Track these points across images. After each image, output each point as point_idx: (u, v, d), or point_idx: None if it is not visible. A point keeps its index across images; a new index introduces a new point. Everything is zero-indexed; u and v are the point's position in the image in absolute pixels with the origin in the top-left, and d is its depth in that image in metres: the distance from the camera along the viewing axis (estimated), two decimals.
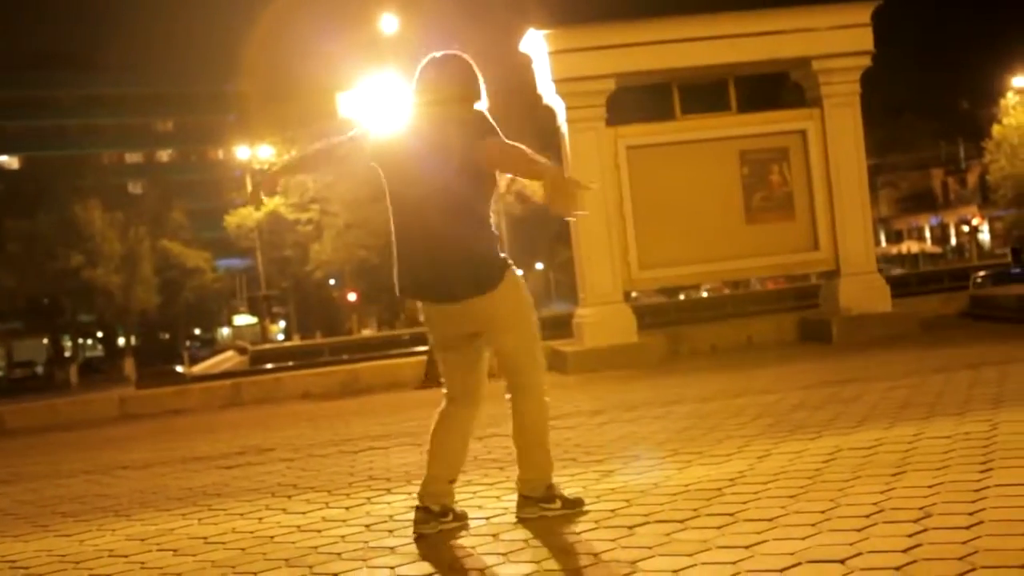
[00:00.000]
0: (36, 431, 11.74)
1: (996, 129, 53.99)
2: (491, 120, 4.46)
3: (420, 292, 4.54)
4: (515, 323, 4.50)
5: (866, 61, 12.90)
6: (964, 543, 3.57)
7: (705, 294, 45.37)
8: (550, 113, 13.24)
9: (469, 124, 4.42)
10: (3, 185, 69.28)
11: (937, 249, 69.27)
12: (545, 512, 4.56)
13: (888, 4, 13.03)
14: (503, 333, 4.50)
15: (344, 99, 14.47)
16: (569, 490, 4.90)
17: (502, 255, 4.47)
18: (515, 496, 5.11)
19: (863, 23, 12.84)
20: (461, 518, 4.63)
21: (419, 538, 4.48)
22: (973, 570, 3.28)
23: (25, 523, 5.90)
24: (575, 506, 4.65)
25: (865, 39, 12.84)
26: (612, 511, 4.62)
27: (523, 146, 4.29)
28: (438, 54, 4.59)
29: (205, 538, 4.98)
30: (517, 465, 4.66)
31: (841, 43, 12.83)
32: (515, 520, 4.63)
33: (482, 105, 4.54)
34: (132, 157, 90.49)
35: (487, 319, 4.45)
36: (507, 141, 4.39)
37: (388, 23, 36.79)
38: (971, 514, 3.93)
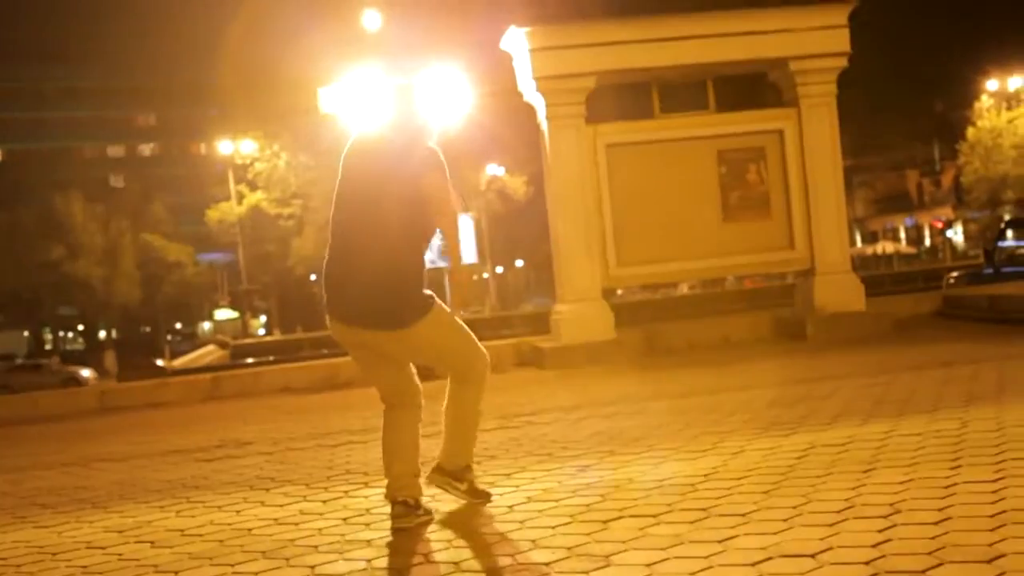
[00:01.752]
0: (16, 423, 11.66)
1: (970, 132, 54.30)
2: (443, 159, 4.49)
3: (344, 314, 4.48)
4: (439, 347, 4.58)
5: (842, 62, 12.95)
6: (932, 538, 3.60)
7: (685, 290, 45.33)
8: (531, 110, 13.23)
9: (425, 157, 4.47)
10: None
11: (912, 250, 69.61)
12: (451, 487, 4.69)
13: (865, 6, 13.10)
14: (423, 351, 4.59)
15: (325, 94, 14.41)
16: (537, 485, 4.92)
17: (426, 293, 4.46)
18: (493, 491, 5.13)
19: (840, 24, 12.89)
20: (429, 512, 4.62)
21: (398, 531, 4.47)
22: (940, 565, 3.31)
23: (3, 514, 5.86)
24: (479, 497, 4.75)
25: (842, 40, 12.89)
26: (587, 506, 4.63)
27: (456, 215, 4.43)
28: (402, 83, 4.69)
29: (183, 530, 4.97)
30: (443, 441, 4.72)
31: (818, 44, 12.87)
32: (489, 515, 4.64)
33: (432, 140, 4.61)
34: (114, 151, 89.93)
35: (403, 349, 4.52)
36: (450, 196, 4.42)
37: (371, 19, 36.81)
38: (940, 510, 3.97)
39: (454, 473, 4.69)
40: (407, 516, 4.50)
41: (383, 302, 4.38)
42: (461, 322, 4.61)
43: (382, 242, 4.36)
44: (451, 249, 4.43)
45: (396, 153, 4.45)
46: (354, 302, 4.42)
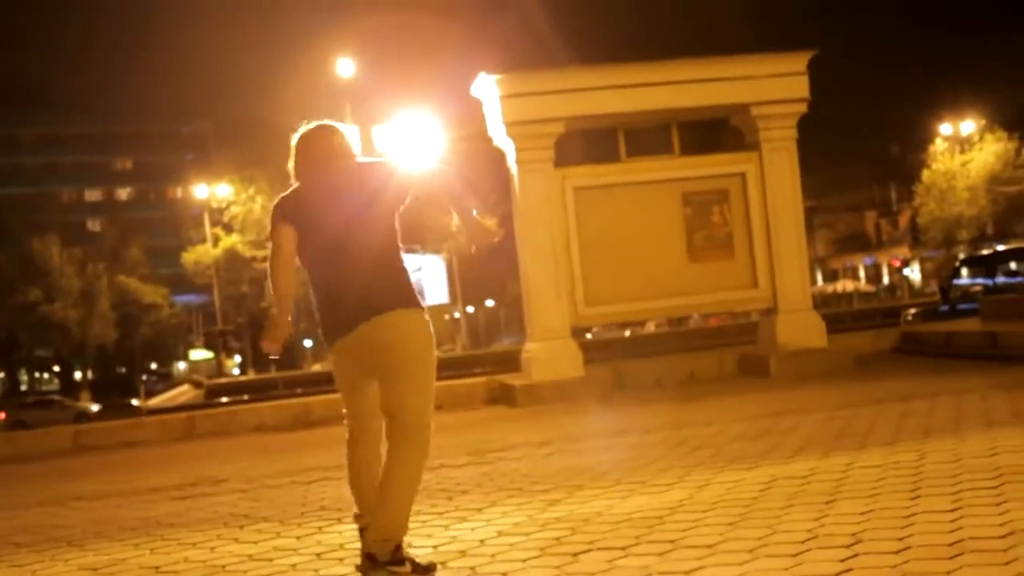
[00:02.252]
0: None
1: (925, 174, 54.90)
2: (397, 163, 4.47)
3: (341, 324, 4.31)
4: (418, 357, 4.28)
5: (802, 108, 13.10)
6: (893, 567, 3.62)
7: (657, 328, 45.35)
8: (501, 154, 13.30)
9: (390, 165, 4.45)
10: None
11: (871, 288, 70.11)
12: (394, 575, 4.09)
13: (824, 54, 13.27)
14: (403, 366, 4.23)
15: (298, 135, 14.41)
16: (508, 519, 4.87)
17: (417, 295, 4.40)
18: (464, 525, 5.10)
19: (799, 71, 13.05)
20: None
21: None
22: None
23: None
24: (427, 572, 4.23)
25: (801, 87, 13.05)
26: (557, 539, 4.62)
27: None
28: (312, 126, 4.54)
29: (157, 567, 4.91)
30: (376, 513, 4.14)
31: (778, 90, 13.02)
32: (460, 549, 4.62)
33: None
34: (91, 195, 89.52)
35: (398, 345, 4.23)
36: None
37: (344, 67, 36.96)
38: (900, 539, 3.98)
39: (394, 558, 4.08)
40: (376, 571, 4.10)
41: (385, 283, 4.29)
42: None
43: (370, 250, 4.29)
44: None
45: (359, 173, 4.43)
46: (354, 303, 4.26)
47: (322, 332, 4.44)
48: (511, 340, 51.37)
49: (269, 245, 4.53)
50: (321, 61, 38.95)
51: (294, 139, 4.55)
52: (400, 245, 4.42)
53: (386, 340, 4.26)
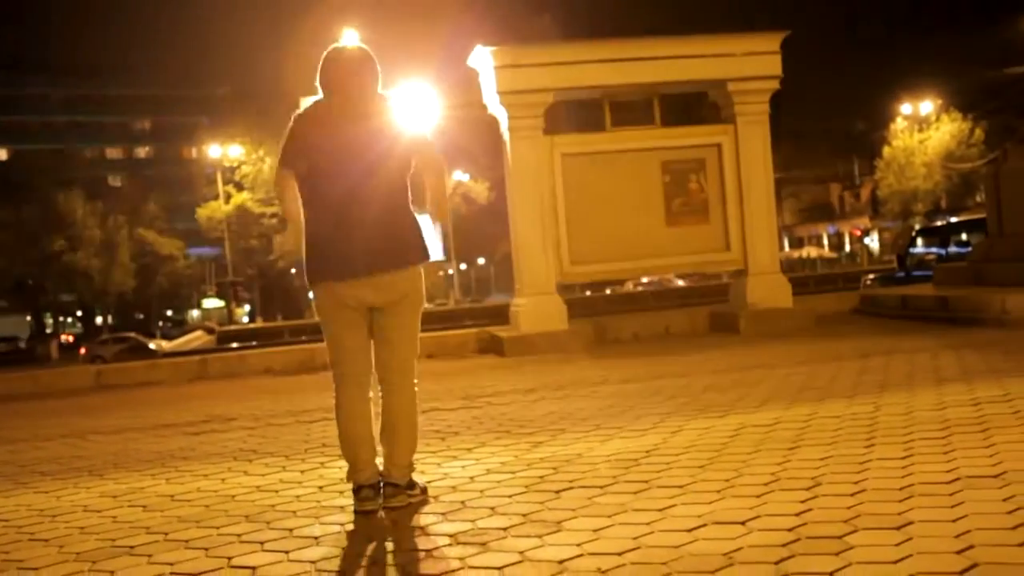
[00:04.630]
0: (17, 399, 11.51)
1: (886, 150, 54.89)
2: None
3: (347, 269, 4.12)
4: (415, 308, 4.28)
5: (775, 84, 13.04)
6: (849, 508, 3.63)
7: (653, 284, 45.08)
8: (494, 122, 13.22)
9: (395, 124, 4.22)
10: None
11: (833, 254, 70.21)
12: (411, 499, 4.27)
13: (796, 35, 13.19)
14: (403, 314, 4.23)
15: (307, 103, 14.29)
16: (496, 458, 4.88)
17: (427, 248, 4.29)
18: (455, 463, 5.12)
19: (773, 51, 12.98)
20: (424, 491, 4.43)
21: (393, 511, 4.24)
22: (856, 531, 3.34)
23: (6, 480, 5.78)
24: (425, 493, 4.39)
25: (774, 65, 12.98)
26: (540, 477, 4.63)
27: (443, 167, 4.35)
28: (348, 47, 4.30)
29: (172, 496, 4.92)
30: (391, 450, 4.24)
31: (753, 68, 12.95)
32: (452, 485, 4.63)
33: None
34: (112, 153, 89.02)
35: (397, 292, 4.17)
36: (437, 153, 4.32)
37: (349, 37, 36.65)
38: (856, 483, 4.00)
39: (408, 485, 4.28)
40: (397, 496, 4.24)
41: (392, 242, 4.15)
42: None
43: (383, 200, 4.15)
44: (438, 194, 4.32)
45: (380, 115, 4.20)
46: (361, 253, 4.10)
47: (315, 269, 4.21)
48: (500, 296, 51.34)
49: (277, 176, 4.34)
50: (327, 30, 38.59)
51: (328, 51, 4.26)
52: (406, 196, 4.26)
53: (394, 296, 4.21)
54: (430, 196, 4.36)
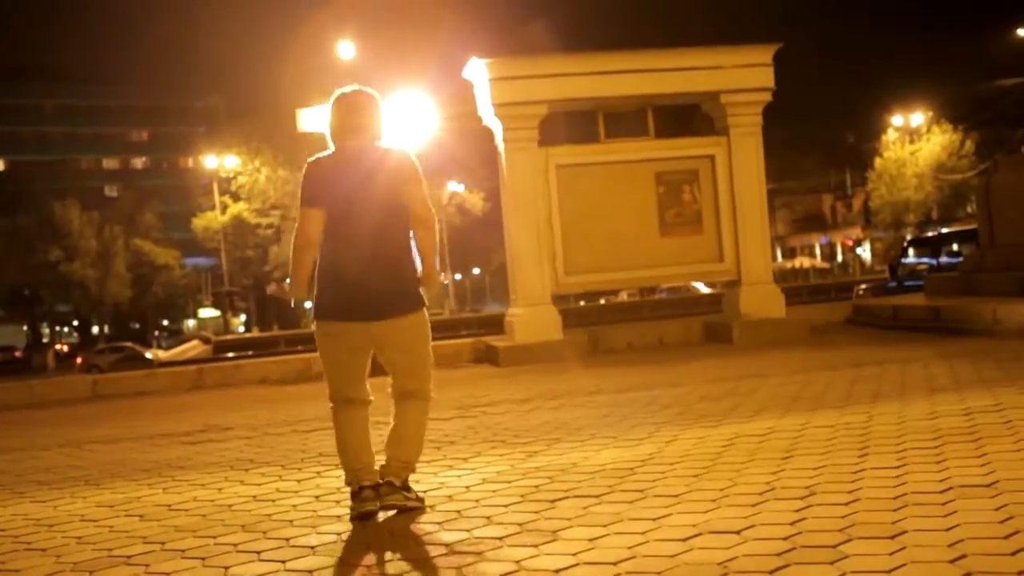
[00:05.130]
0: (14, 408, 11.47)
1: (878, 162, 55.04)
2: (419, 169, 4.38)
3: (343, 313, 4.28)
4: (421, 343, 4.40)
5: (768, 96, 13.07)
6: (843, 517, 3.64)
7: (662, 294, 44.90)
8: (490, 132, 13.24)
9: (409, 168, 4.35)
10: None
11: (825, 265, 70.32)
12: (407, 500, 4.31)
13: (788, 47, 13.24)
14: (407, 353, 4.37)
15: (303, 115, 14.30)
16: (492, 468, 4.87)
17: (420, 290, 4.39)
18: (451, 473, 5.12)
19: (765, 63, 13.01)
20: (420, 499, 4.45)
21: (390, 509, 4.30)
22: (850, 540, 3.35)
23: (2, 490, 5.76)
24: (421, 501, 4.42)
25: (767, 77, 13.01)
26: (536, 487, 4.63)
27: (434, 223, 4.38)
28: (351, 89, 4.44)
29: (169, 505, 4.91)
30: (395, 450, 4.33)
31: (746, 80, 12.99)
32: (448, 494, 4.63)
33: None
34: (109, 163, 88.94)
35: (398, 337, 4.33)
36: (428, 205, 4.38)
37: (345, 49, 36.68)
38: (850, 492, 4.01)
39: (404, 485, 4.34)
40: (394, 494, 4.29)
41: (399, 292, 4.31)
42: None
43: (392, 245, 4.30)
44: (427, 255, 4.38)
45: (384, 165, 4.33)
46: (373, 295, 4.25)
47: (321, 306, 4.34)
48: (495, 305, 51.33)
49: (297, 221, 4.43)
50: (323, 41, 38.63)
51: (333, 99, 4.43)
52: (406, 241, 4.35)
53: (397, 340, 4.36)
54: (421, 257, 4.41)
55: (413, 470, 4.43)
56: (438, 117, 14.74)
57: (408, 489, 4.37)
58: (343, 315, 4.29)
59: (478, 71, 12.68)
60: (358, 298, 4.26)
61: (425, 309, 4.43)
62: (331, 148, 4.43)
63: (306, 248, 4.35)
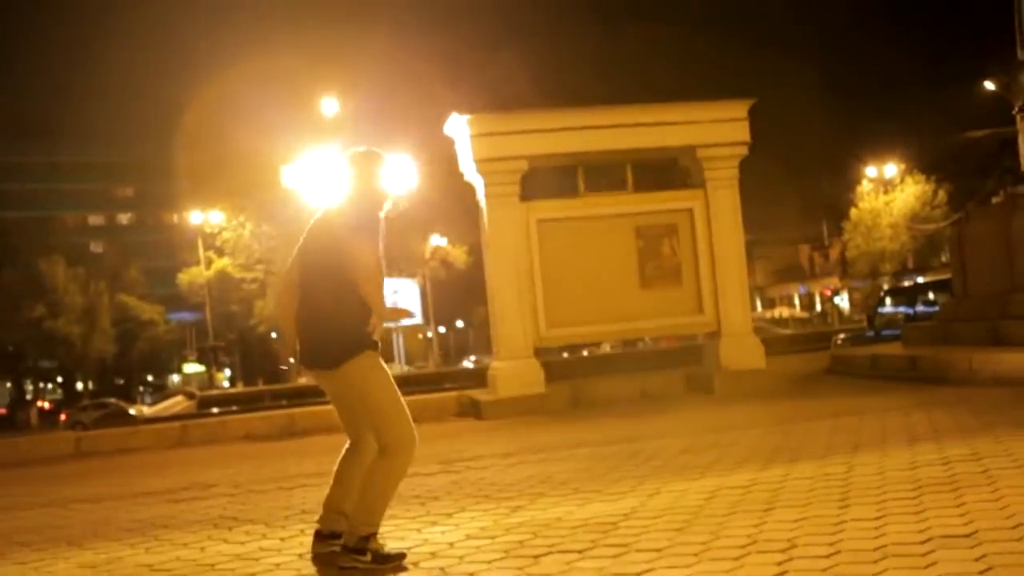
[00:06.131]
0: None
1: (853, 212, 55.46)
2: (374, 224, 4.40)
3: (306, 360, 4.54)
4: (364, 395, 4.38)
5: (743, 150, 13.20)
6: (824, 570, 3.63)
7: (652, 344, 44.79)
8: (471, 188, 13.30)
9: (340, 228, 4.41)
10: None
11: (804, 314, 70.56)
12: (356, 563, 4.22)
13: (762, 102, 13.39)
14: (359, 400, 4.42)
15: (287, 171, 14.37)
16: (475, 523, 4.83)
17: (362, 340, 4.36)
18: (435, 529, 5.08)
19: (740, 117, 13.15)
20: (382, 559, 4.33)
21: (314, 557, 4.39)
22: None
23: None
24: (388, 562, 4.29)
25: (742, 131, 13.14)
26: (520, 542, 4.60)
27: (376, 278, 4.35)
28: (361, 151, 4.66)
29: (151, 566, 4.85)
30: (351, 509, 4.33)
31: (722, 134, 13.12)
32: (431, 551, 4.58)
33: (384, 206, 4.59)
34: (94, 219, 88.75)
35: (345, 386, 4.43)
36: (369, 259, 4.33)
37: (329, 105, 36.91)
38: (831, 544, 4.00)
39: (356, 547, 4.23)
40: (335, 553, 4.27)
41: (321, 343, 4.40)
42: (396, 392, 4.39)
43: (328, 297, 4.37)
44: (375, 307, 4.36)
45: (344, 220, 4.42)
46: (309, 347, 4.47)
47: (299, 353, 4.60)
48: (476, 359, 51.19)
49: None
50: (307, 99, 38.86)
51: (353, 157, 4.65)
52: (353, 290, 4.31)
53: (337, 390, 4.50)
54: (373, 312, 4.42)
55: (363, 532, 4.24)
56: (420, 172, 14.81)
57: (361, 552, 4.22)
58: (307, 363, 4.55)
59: (459, 127, 12.78)
60: (305, 347, 4.50)
61: (368, 355, 4.35)
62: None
63: (285, 294, 4.75)
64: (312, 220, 4.62)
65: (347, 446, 4.56)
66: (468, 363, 51.21)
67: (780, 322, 62.83)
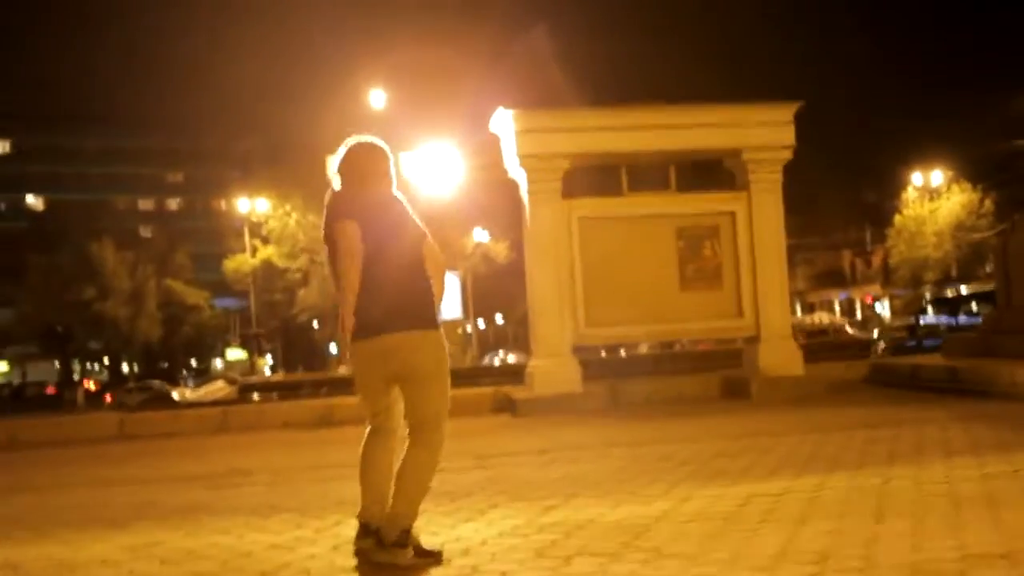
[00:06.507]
0: (44, 445, 11.52)
1: (897, 219, 54.83)
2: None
3: (367, 327, 4.30)
4: (433, 374, 4.36)
5: (788, 154, 13.09)
6: None
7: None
8: (514, 183, 13.30)
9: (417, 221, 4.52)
10: (28, 223, 68.69)
11: (845, 321, 69.82)
12: (397, 558, 4.21)
13: (810, 107, 13.26)
14: (420, 382, 4.35)
15: (333, 161, 14.42)
16: (509, 521, 4.82)
17: (437, 319, 4.44)
18: (468, 525, 5.09)
19: (786, 121, 13.04)
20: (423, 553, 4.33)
21: (357, 552, 4.34)
22: None
23: (29, 530, 5.78)
24: (429, 556, 4.29)
25: (788, 135, 13.03)
26: (552, 542, 4.60)
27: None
28: (364, 141, 4.62)
29: (190, 551, 4.90)
30: (392, 500, 4.32)
31: (767, 137, 13.01)
32: (464, 548, 4.59)
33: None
34: (144, 204, 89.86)
35: (411, 360, 4.32)
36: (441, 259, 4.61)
37: (377, 98, 37.10)
38: (864, 557, 3.95)
39: (397, 540, 4.22)
40: (376, 551, 4.26)
41: (408, 306, 4.34)
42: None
43: (415, 269, 4.39)
44: (438, 296, 4.50)
45: (404, 210, 4.49)
46: (387, 310, 4.29)
47: (358, 327, 4.35)
48: (518, 355, 51.18)
49: (327, 246, 4.54)
50: (355, 91, 39.08)
51: (345, 147, 4.59)
52: (425, 270, 4.44)
53: (404, 356, 4.33)
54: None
55: (404, 525, 4.25)
56: (464, 167, 14.83)
57: (402, 545, 4.22)
58: (367, 331, 4.30)
59: (504, 123, 12.78)
60: (377, 312, 4.29)
61: (438, 332, 4.40)
62: (341, 189, 4.55)
63: (355, 258, 4.32)
64: (364, 198, 4.48)
65: (372, 433, 4.47)
66: (495, 359, 51.21)
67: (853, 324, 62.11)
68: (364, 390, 4.50)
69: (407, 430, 4.44)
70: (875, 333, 24.34)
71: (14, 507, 6.76)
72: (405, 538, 4.24)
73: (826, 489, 5.54)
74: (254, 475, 7.68)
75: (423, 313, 4.39)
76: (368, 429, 4.52)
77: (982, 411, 9.13)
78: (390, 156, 4.61)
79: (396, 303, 4.32)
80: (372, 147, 4.59)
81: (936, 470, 5.97)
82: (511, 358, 47.07)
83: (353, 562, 4.43)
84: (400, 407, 4.47)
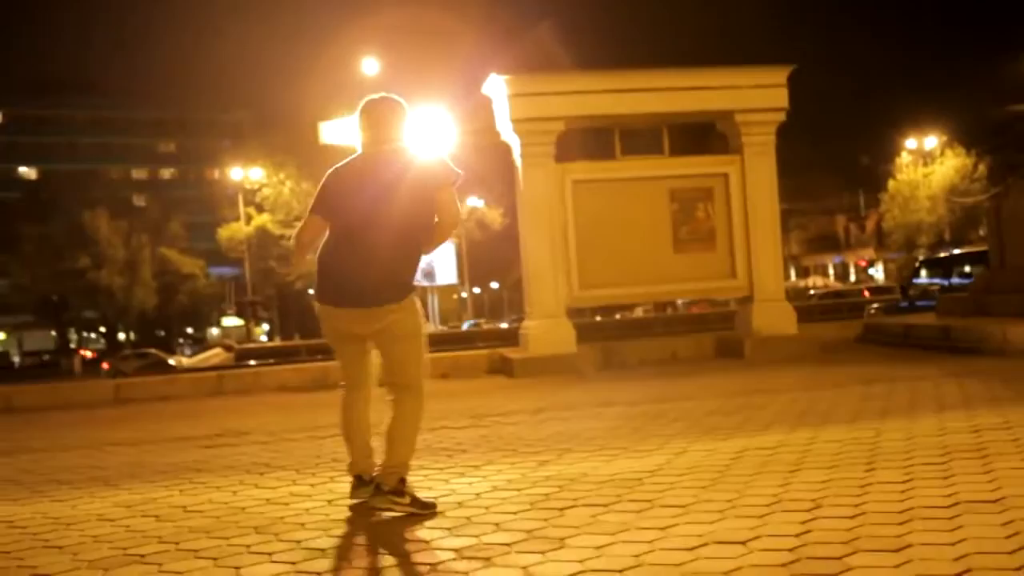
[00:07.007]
0: (39, 410, 11.52)
1: (891, 183, 54.81)
2: (455, 173, 4.47)
3: (344, 296, 4.39)
4: (413, 333, 4.45)
5: (781, 117, 13.03)
6: (848, 530, 3.59)
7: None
8: (508, 148, 13.24)
9: (436, 168, 4.46)
10: (21, 193, 68.45)
11: (838, 284, 69.95)
12: (394, 504, 4.32)
13: (803, 69, 13.19)
14: (398, 340, 4.42)
15: (325, 128, 14.34)
16: (502, 476, 4.84)
17: (414, 282, 4.48)
18: (462, 480, 5.10)
19: (779, 84, 12.97)
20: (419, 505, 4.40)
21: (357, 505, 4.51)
22: (855, 553, 3.31)
23: (24, 489, 5.77)
24: (425, 508, 4.35)
25: (781, 98, 12.97)
26: (546, 495, 4.60)
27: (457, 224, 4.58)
28: (379, 96, 4.56)
29: (184, 507, 4.90)
30: (385, 454, 4.41)
31: (760, 100, 12.95)
32: (458, 501, 4.60)
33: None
34: (138, 173, 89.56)
35: (395, 329, 4.38)
36: (458, 210, 4.56)
37: (369, 65, 36.87)
38: (856, 506, 3.96)
39: (395, 489, 4.33)
40: (379, 498, 4.36)
41: (379, 282, 4.33)
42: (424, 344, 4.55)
43: (394, 238, 4.36)
44: (439, 239, 4.53)
45: (407, 166, 4.41)
46: (360, 286, 4.33)
47: (322, 292, 4.49)
48: (511, 318, 51.22)
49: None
50: (347, 57, 38.83)
51: (361, 107, 4.55)
52: (417, 237, 4.43)
53: (383, 326, 4.40)
54: (435, 237, 4.52)
55: (402, 473, 4.37)
56: (457, 132, 14.74)
57: (399, 493, 4.34)
58: (344, 300, 4.41)
59: (497, 87, 12.70)
60: (352, 286, 4.36)
61: (415, 299, 4.46)
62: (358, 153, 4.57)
63: (301, 250, 4.64)
64: (353, 170, 4.48)
65: (350, 393, 4.61)
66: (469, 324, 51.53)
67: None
68: (338, 353, 4.64)
69: (377, 388, 4.61)
70: (899, 289, 24.27)
71: (10, 468, 6.75)
72: (403, 486, 4.35)
73: (819, 442, 5.56)
74: (249, 436, 7.67)
75: (403, 283, 4.41)
76: (344, 388, 4.66)
77: (974, 368, 9.15)
78: (392, 110, 4.52)
79: (377, 278, 4.34)
80: (367, 105, 4.55)
81: (929, 423, 5.98)
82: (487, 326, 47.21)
83: (347, 515, 4.44)
84: (370, 365, 4.60)
